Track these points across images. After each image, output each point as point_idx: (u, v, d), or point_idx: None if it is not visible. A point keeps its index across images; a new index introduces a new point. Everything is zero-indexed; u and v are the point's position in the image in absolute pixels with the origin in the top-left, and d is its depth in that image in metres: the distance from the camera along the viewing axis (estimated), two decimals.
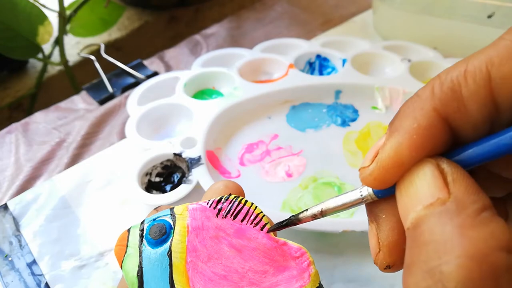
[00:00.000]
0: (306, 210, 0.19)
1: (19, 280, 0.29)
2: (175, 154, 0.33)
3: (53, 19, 0.50)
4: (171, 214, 0.21)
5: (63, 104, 0.43)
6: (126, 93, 0.43)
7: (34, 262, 0.30)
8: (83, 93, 0.44)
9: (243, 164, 0.35)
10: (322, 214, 0.18)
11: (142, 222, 0.21)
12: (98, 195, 0.34)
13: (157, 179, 0.33)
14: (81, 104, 0.43)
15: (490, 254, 0.12)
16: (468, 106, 0.14)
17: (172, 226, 0.20)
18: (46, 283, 0.29)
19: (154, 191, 0.33)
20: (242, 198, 0.21)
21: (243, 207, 0.21)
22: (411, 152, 0.14)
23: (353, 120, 0.38)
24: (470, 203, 0.13)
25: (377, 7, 0.47)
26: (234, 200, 0.21)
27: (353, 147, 0.36)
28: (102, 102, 0.43)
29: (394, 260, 0.16)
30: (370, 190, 0.16)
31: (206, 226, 0.20)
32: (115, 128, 0.40)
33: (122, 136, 0.39)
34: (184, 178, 0.32)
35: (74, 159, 0.37)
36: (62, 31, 0.50)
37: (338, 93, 0.40)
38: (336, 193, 0.32)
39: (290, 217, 0.19)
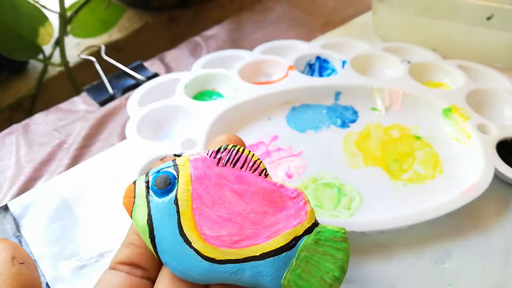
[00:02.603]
0: None
1: None
2: (175, 155, 0.33)
3: (54, 20, 0.50)
4: (174, 166, 0.22)
5: (63, 105, 0.43)
6: (126, 95, 0.43)
7: (34, 262, 0.30)
8: (84, 94, 0.44)
9: None
10: None
11: (147, 175, 0.22)
12: (98, 196, 0.34)
13: None
14: (82, 105, 0.43)
15: None
16: None
17: (176, 176, 0.22)
18: (47, 284, 0.29)
19: None
20: (240, 147, 0.22)
21: (241, 155, 0.22)
22: None
23: (353, 121, 0.38)
24: None
25: (376, 9, 0.47)
26: (232, 149, 0.22)
27: (353, 148, 0.36)
28: (102, 103, 0.43)
29: None
30: None
31: (208, 174, 0.22)
32: (115, 129, 0.40)
33: (122, 137, 0.39)
34: None
35: (75, 160, 0.37)
36: (63, 32, 0.50)
37: (338, 94, 0.40)
38: (336, 194, 0.33)
39: None
